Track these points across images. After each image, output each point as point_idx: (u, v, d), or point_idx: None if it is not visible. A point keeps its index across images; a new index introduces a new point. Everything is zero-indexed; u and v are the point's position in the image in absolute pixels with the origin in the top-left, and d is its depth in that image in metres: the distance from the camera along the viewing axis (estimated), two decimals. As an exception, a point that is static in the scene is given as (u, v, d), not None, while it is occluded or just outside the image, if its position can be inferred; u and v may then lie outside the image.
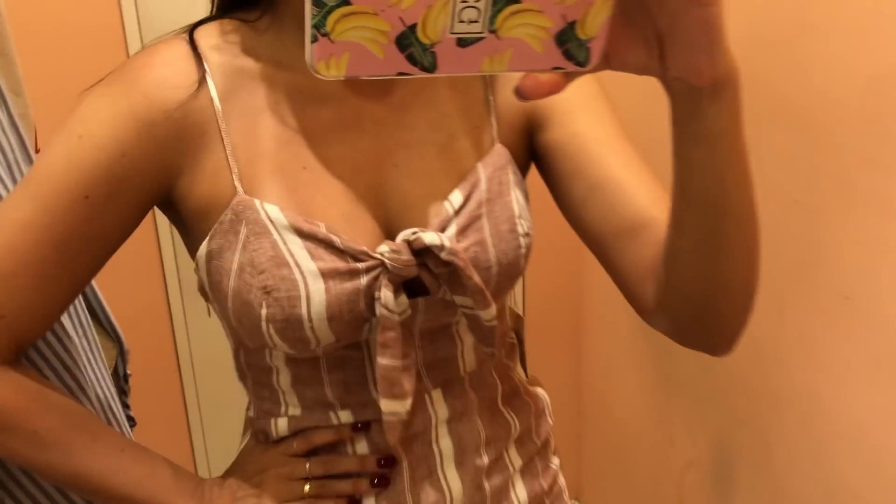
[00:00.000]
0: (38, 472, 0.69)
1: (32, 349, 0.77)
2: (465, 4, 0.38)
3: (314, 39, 0.39)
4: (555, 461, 0.84)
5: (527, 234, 0.68)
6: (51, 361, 0.78)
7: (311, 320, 0.63)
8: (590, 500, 1.96)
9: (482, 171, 0.68)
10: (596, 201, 0.66)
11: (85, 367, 0.83)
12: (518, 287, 1.89)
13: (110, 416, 0.88)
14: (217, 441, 1.96)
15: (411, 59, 0.40)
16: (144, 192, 0.65)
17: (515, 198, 0.68)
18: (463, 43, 0.40)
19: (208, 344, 1.83)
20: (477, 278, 0.64)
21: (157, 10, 1.64)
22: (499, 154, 0.69)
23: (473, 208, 0.66)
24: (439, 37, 0.39)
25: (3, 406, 0.65)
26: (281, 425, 0.73)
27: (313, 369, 0.70)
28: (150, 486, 0.69)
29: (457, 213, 0.66)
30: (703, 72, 0.46)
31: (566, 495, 0.87)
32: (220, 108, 0.65)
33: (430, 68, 0.40)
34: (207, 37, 0.66)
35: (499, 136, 0.70)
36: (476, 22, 0.39)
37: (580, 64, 0.42)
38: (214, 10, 0.69)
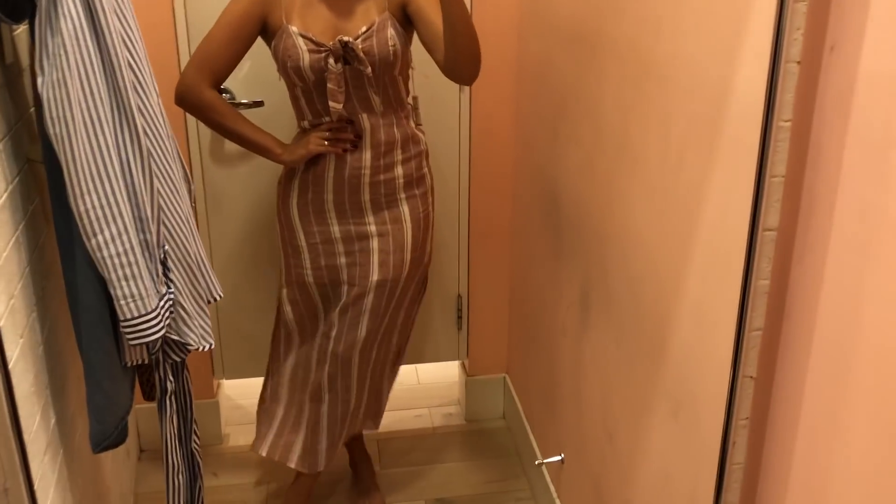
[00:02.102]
0: (224, 131, 1.85)
1: (162, 175, 1.34)
2: None
3: None
4: (425, 170, 1.99)
5: (394, 45, 1.78)
6: (167, 176, 1.35)
7: (303, 67, 1.76)
8: (512, 370, 2.55)
9: (377, 20, 1.77)
10: (428, 31, 1.75)
11: (181, 185, 1.40)
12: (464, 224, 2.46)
13: (192, 222, 1.45)
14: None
15: None
16: (257, 20, 1.78)
17: (389, 31, 1.77)
18: None
19: (223, 240, 2.38)
20: (362, 55, 1.75)
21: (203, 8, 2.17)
22: (385, 16, 1.78)
23: (370, 33, 1.76)
24: None
25: (220, 101, 1.83)
26: (305, 124, 1.89)
27: (310, 96, 1.83)
28: (267, 139, 1.86)
29: (363, 34, 1.76)
30: None
31: (428, 186, 2.01)
32: None
33: None
34: None
35: (388, 8, 1.79)
36: None
37: None
38: None
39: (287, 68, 1.78)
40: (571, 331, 1.90)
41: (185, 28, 2.18)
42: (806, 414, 1.00)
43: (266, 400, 2.15)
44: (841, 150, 0.88)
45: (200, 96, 1.81)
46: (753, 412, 1.09)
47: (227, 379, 2.60)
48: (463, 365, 2.71)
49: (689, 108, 1.21)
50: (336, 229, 1.93)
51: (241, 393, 2.81)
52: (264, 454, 2.10)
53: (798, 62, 0.92)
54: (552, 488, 2.13)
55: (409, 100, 1.94)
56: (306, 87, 1.81)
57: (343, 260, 1.95)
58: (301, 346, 2.05)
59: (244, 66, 2.24)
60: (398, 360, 2.21)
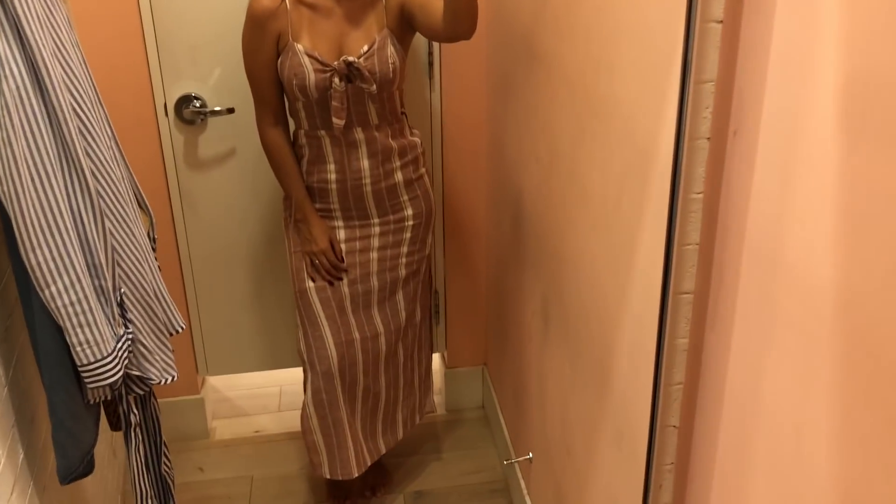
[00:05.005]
0: (276, 174, 2.01)
1: (110, 205, 1.37)
2: None
3: None
4: (422, 170, 2.08)
5: (394, 63, 1.87)
6: (120, 218, 1.39)
7: (309, 86, 1.84)
8: (490, 361, 2.61)
9: (377, 38, 1.86)
10: (425, 12, 1.79)
11: (136, 223, 1.43)
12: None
13: (149, 257, 1.49)
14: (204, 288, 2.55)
15: None
16: (272, 38, 1.84)
17: (389, 49, 1.86)
18: None
19: (199, 241, 2.43)
20: (367, 74, 1.84)
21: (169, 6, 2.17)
22: (384, 33, 1.87)
23: (372, 51, 1.85)
24: None
25: (277, 146, 1.96)
26: (301, 135, 1.97)
27: (311, 110, 1.91)
28: (309, 204, 2.00)
29: (365, 53, 1.85)
30: None
31: (427, 187, 2.10)
32: (289, 9, 1.83)
33: None
34: None
35: (387, 24, 1.87)
36: None
37: None
38: None
39: (293, 86, 1.85)
40: (536, 339, 1.94)
41: (154, 37, 2.19)
42: (720, 459, 1.05)
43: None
44: (744, 220, 0.91)
45: (264, 137, 1.97)
46: (678, 457, 1.14)
47: (210, 376, 2.66)
48: (442, 356, 2.76)
49: (624, 153, 1.23)
50: (342, 233, 2.03)
51: (227, 385, 2.88)
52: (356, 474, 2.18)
53: (708, 138, 0.94)
54: (522, 484, 2.20)
55: (403, 110, 2.02)
56: (308, 103, 1.89)
57: (345, 260, 2.04)
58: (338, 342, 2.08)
59: (214, 73, 2.25)
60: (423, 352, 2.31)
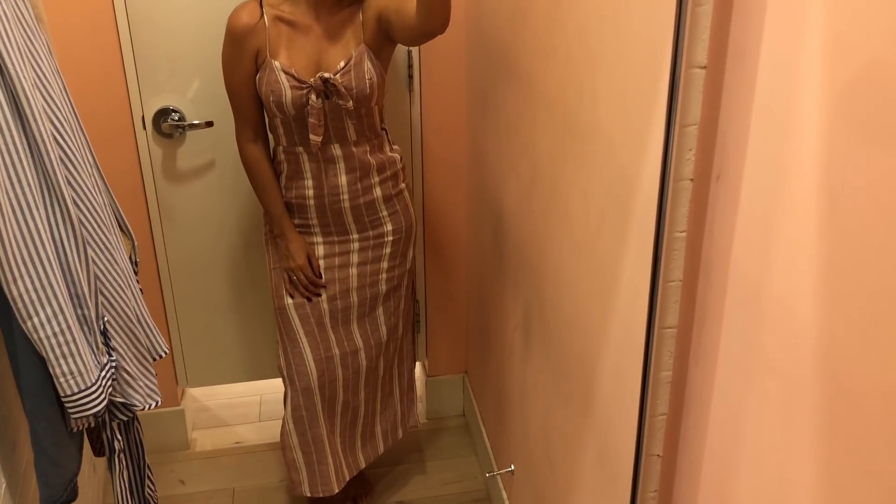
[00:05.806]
0: (256, 192, 2.00)
1: (93, 240, 1.36)
2: None
3: None
4: (402, 185, 2.08)
5: (371, 78, 1.86)
6: (102, 246, 1.38)
7: (285, 103, 1.84)
8: (470, 370, 2.62)
9: (354, 53, 1.85)
10: (400, 15, 1.77)
11: (118, 250, 1.42)
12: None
13: (132, 283, 1.48)
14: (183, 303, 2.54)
15: None
16: (250, 54, 1.84)
17: (366, 65, 1.86)
18: None
19: (178, 253, 2.41)
20: (343, 90, 1.83)
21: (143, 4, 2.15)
22: (361, 48, 1.86)
23: (348, 67, 1.85)
24: None
25: (256, 162, 1.96)
26: (279, 151, 1.97)
27: (289, 126, 1.90)
28: (287, 220, 1.98)
29: (342, 69, 1.84)
30: None
31: (407, 202, 2.10)
32: (268, 26, 1.83)
33: None
34: (266, 3, 1.85)
35: (364, 39, 1.86)
36: None
37: None
38: None
39: (270, 102, 1.86)
40: (517, 351, 1.96)
41: (131, 49, 2.17)
42: (703, 490, 1.07)
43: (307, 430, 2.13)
44: (727, 261, 0.92)
45: (243, 152, 1.97)
46: (661, 484, 1.16)
47: (190, 387, 2.65)
48: (423, 365, 2.77)
49: (605, 182, 1.24)
50: (321, 249, 2.03)
51: (206, 394, 2.87)
52: (337, 489, 2.18)
53: (691, 180, 0.96)
54: (504, 495, 2.22)
55: (383, 125, 2.02)
56: (286, 119, 1.89)
57: (324, 276, 2.04)
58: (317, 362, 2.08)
59: (193, 85, 2.24)
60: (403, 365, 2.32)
